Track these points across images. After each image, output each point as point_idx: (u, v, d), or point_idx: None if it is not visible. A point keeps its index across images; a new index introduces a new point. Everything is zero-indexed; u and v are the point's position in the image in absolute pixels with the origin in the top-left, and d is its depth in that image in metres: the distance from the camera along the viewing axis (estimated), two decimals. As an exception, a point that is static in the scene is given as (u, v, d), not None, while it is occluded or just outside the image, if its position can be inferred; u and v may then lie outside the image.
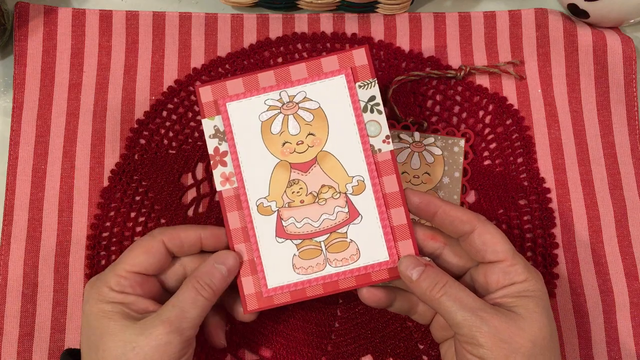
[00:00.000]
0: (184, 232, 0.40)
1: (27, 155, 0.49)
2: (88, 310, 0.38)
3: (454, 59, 0.54)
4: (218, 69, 0.52)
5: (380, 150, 0.41)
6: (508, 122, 0.53)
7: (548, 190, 0.51)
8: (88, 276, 0.47)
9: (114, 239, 0.48)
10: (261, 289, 0.41)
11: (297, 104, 0.42)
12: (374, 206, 0.41)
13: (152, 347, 0.36)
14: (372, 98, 0.42)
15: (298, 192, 0.41)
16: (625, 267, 0.50)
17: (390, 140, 0.41)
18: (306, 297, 0.41)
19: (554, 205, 0.51)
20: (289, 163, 0.41)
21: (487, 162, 0.52)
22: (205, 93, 0.42)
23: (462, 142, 0.51)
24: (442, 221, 0.40)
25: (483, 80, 0.54)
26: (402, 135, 0.51)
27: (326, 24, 0.54)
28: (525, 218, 0.50)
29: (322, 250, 0.41)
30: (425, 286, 0.38)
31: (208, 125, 0.42)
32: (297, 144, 0.42)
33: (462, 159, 0.50)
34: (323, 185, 0.41)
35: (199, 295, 0.38)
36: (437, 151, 0.50)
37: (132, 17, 0.53)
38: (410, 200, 0.41)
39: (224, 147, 0.42)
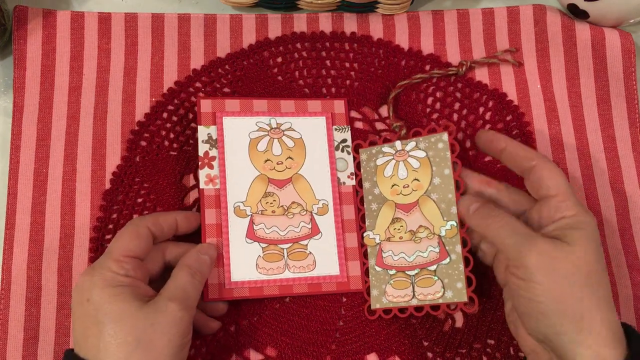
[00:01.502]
0: (162, 216, 0.44)
1: (29, 159, 0.49)
2: (94, 297, 0.38)
3: (453, 56, 0.54)
4: (218, 70, 0.52)
5: (344, 183, 0.50)
6: (508, 118, 0.53)
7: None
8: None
9: (117, 241, 0.48)
10: (224, 281, 0.46)
11: (283, 131, 0.49)
12: (333, 227, 0.48)
13: (169, 323, 0.38)
14: (344, 140, 0.51)
15: (271, 203, 0.48)
16: (628, 261, 0.50)
17: (354, 177, 0.50)
18: (263, 295, 0.46)
19: (555, 200, 0.51)
20: (268, 178, 0.48)
21: (488, 159, 0.52)
22: (205, 105, 0.48)
23: (445, 136, 0.47)
24: (508, 157, 0.44)
25: (483, 77, 0.54)
26: (384, 149, 0.49)
27: (325, 24, 0.54)
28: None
29: (284, 256, 0.47)
30: (479, 217, 0.42)
31: (202, 132, 0.48)
32: (277, 164, 0.48)
33: (449, 154, 0.47)
34: (293, 202, 0.48)
35: (194, 279, 0.41)
36: (421, 154, 0.48)
37: (130, 19, 0.53)
38: (480, 138, 0.46)
39: (213, 152, 0.48)
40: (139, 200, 0.49)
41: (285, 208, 0.48)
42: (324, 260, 0.47)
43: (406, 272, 0.47)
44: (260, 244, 0.47)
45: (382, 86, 0.53)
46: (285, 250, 0.47)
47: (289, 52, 0.53)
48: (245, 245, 0.46)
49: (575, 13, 0.55)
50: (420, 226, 0.47)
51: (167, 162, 0.50)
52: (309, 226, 0.48)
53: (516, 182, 0.48)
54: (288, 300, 0.48)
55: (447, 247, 0.46)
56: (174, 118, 0.51)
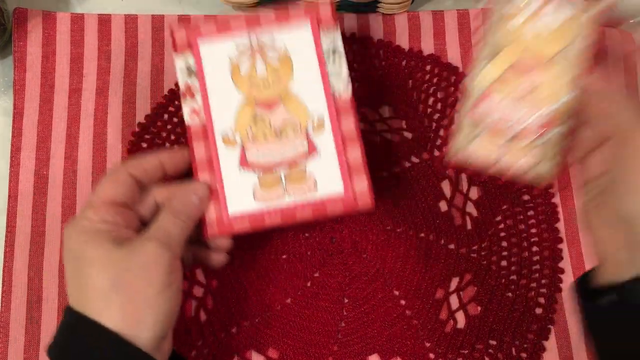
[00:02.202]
0: (145, 159, 0.42)
1: (29, 162, 0.49)
2: (72, 246, 0.37)
3: (454, 56, 0.54)
4: (218, 71, 0.52)
5: (340, 92, 0.45)
6: (509, 118, 0.53)
7: (550, 185, 0.51)
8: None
9: (118, 244, 0.48)
10: (222, 215, 0.43)
11: (265, 48, 0.45)
12: (332, 143, 0.44)
13: (144, 264, 0.37)
14: (335, 44, 0.45)
15: (262, 127, 0.44)
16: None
17: (350, 84, 0.45)
18: (264, 225, 0.43)
19: (556, 199, 0.51)
20: (255, 100, 0.44)
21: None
22: (180, 35, 0.45)
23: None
24: None
25: (483, 77, 0.54)
26: None
27: (325, 24, 0.54)
28: (530, 213, 0.50)
29: (281, 181, 0.44)
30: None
31: (180, 61, 0.45)
32: (263, 84, 0.45)
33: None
34: (285, 122, 0.44)
35: (177, 219, 0.40)
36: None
37: (130, 21, 0.53)
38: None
39: (194, 82, 0.44)
40: (140, 202, 0.49)
41: (278, 130, 0.44)
42: (326, 180, 0.44)
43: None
44: (255, 171, 0.44)
45: (382, 86, 0.53)
46: (282, 174, 0.44)
47: (289, 53, 0.53)
48: (239, 174, 0.44)
49: (576, 12, 0.55)
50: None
51: (167, 164, 0.50)
52: (305, 145, 0.44)
53: (515, 183, 0.48)
54: (289, 301, 0.48)
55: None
56: (175, 119, 0.51)
